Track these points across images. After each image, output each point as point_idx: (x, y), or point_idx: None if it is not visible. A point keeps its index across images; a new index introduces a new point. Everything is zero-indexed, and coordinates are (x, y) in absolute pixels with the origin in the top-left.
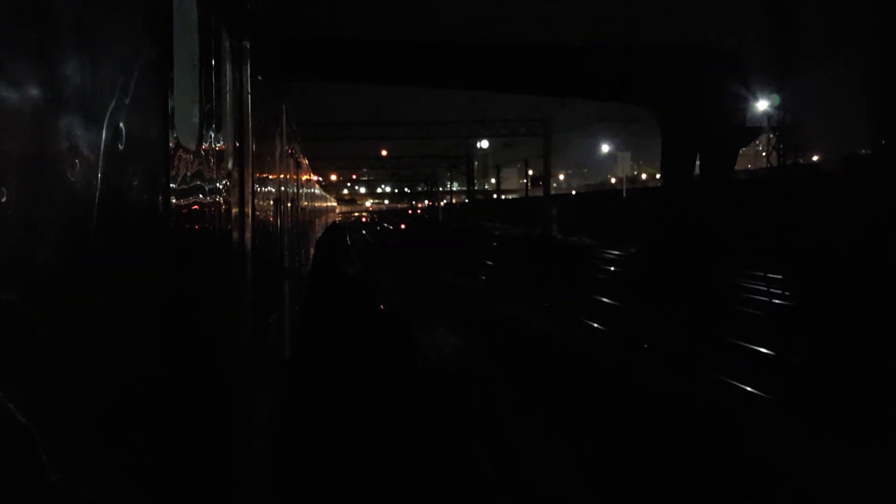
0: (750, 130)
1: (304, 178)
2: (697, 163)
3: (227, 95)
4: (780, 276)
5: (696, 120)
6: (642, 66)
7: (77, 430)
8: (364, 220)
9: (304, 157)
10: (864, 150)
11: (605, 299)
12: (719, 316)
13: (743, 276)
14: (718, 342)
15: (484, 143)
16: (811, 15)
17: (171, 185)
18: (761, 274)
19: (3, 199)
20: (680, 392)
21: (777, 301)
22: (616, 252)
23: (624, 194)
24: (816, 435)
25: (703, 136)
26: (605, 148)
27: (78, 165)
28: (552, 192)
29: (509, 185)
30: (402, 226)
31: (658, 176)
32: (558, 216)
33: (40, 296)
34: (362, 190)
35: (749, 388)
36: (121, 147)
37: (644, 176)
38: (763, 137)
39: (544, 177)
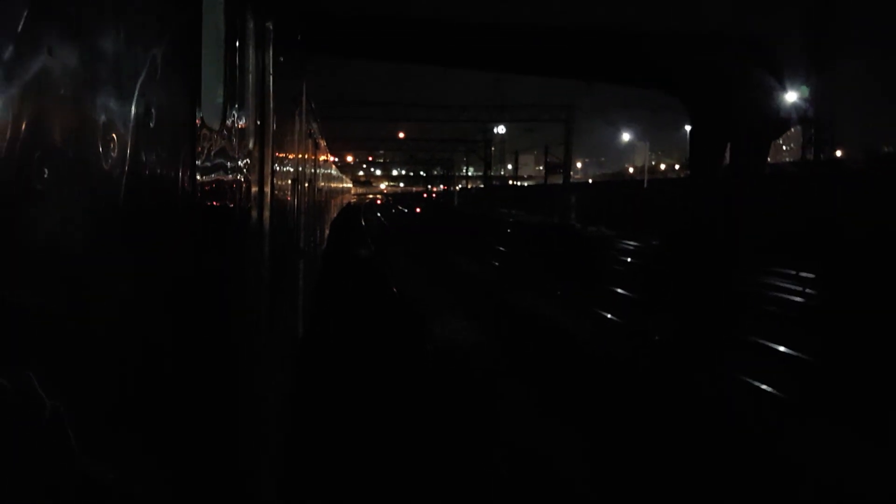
0: (783, 122)
1: (322, 158)
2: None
3: (250, 76)
4: (812, 275)
5: (728, 109)
6: (673, 51)
7: (111, 404)
8: (379, 202)
9: (322, 138)
10: (886, 148)
11: (626, 293)
12: (743, 313)
13: (773, 274)
14: (739, 340)
15: (501, 129)
16: (849, 5)
17: (196, 162)
18: (793, 272)
19: (46, 176)
20: (694, 392)
21: (804, 300)
22: (637, 243)
23: (645, 184)
24: (834, 436)
25: (734, 127)
26: (623, 137)
27: (110, 141)
28: (546, 180)
29: (525, 171)
30: (418, 210)
31: (677, 166)
32: (577, 205)
33: (76, 266)
34: (378, 172)
35: (765, 388)
36: (151, 124)
37: (663, 166)
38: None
39: (564, 164)
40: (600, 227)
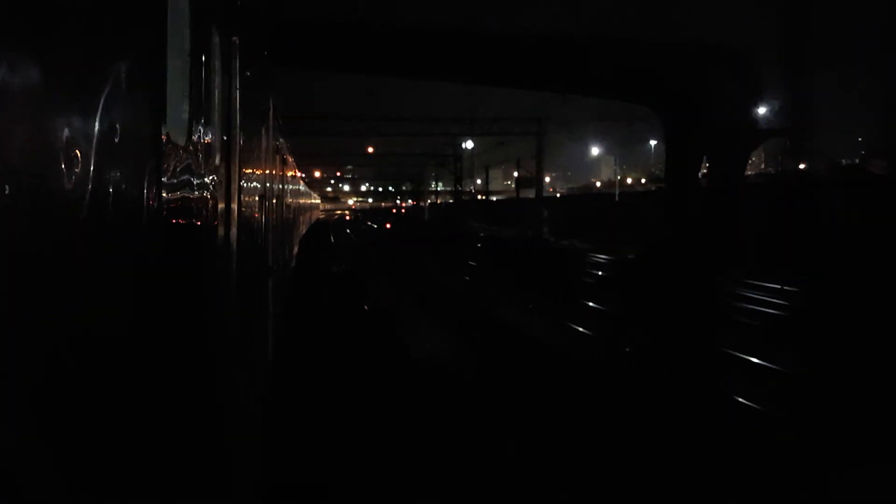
0: (759, 133)
1: (290, 174)
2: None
3: (216, 91)
4: (796, 289)
5: (704, 121)
6: (648, 61)
7: (61, 429)
8: (347, 218)
9: (290, 154)
10: (844, 160)
11: (599, 306)
12: (718, 324)
13: (754, 288)
14: (711, 350)
15: (469, 144)
16: (826, 17)
17: (162, 178)
18: (777, 287)
19: (6, 192)
20: (669, 397)
21: (782, 313)
22: (610, 257)
23: (616, 198)
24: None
25: (709, 138)
26: (589, 152)
27: (72, 159)
28: (518, 195)
29: (495, 185)
30: (388, 225)
31: (643, 180)
32: (549, 219)
33: (33, 290)
34: (346, 188)
35: (741, 400)
36: (116, 140)
37: (629, 180)
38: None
39: (537, 177)
40: (573, 241)
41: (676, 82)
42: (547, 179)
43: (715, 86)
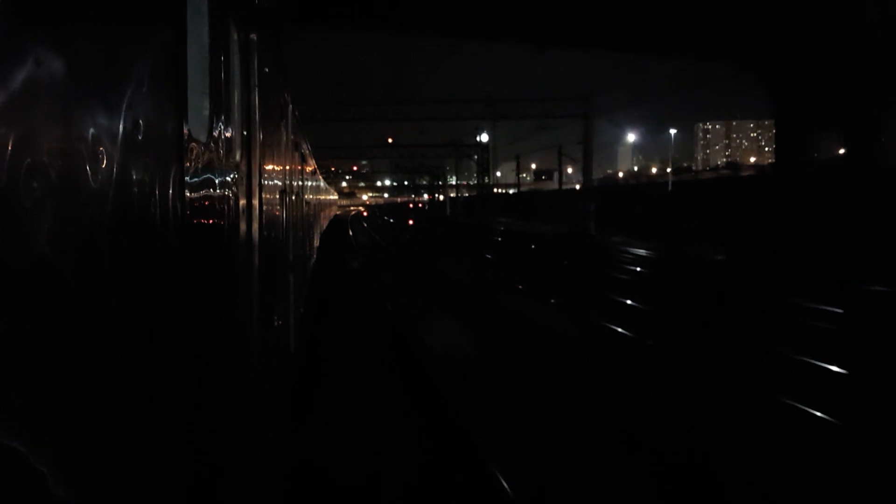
0: None
1: (309, 169)
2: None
3: (236, 88)
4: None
5: (829, 86)
6: (757, 16)
7: (91, 424)
8: (365, 214)
9: (309, 153)
10: None
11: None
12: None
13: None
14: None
15: (484, 137)
16: None
17: (184, 175)
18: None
19: (35, 189)
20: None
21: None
22: (682, 256)
23: (670, 186)
24: None
25: (839, 107)
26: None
27: (98, 156)
28: (560, 185)
29: (512, 178)
30: (410, 221)
31: (668, 169)
32: (595, 212)
33: (68, 281)
34: (361, 183)
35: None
36: (139, 138)
37: (654, 170)
38: None
39: (584, 165)
40: (624, 237)
41: (790, 41)
42: (570, 170)
43: (842, 45)
